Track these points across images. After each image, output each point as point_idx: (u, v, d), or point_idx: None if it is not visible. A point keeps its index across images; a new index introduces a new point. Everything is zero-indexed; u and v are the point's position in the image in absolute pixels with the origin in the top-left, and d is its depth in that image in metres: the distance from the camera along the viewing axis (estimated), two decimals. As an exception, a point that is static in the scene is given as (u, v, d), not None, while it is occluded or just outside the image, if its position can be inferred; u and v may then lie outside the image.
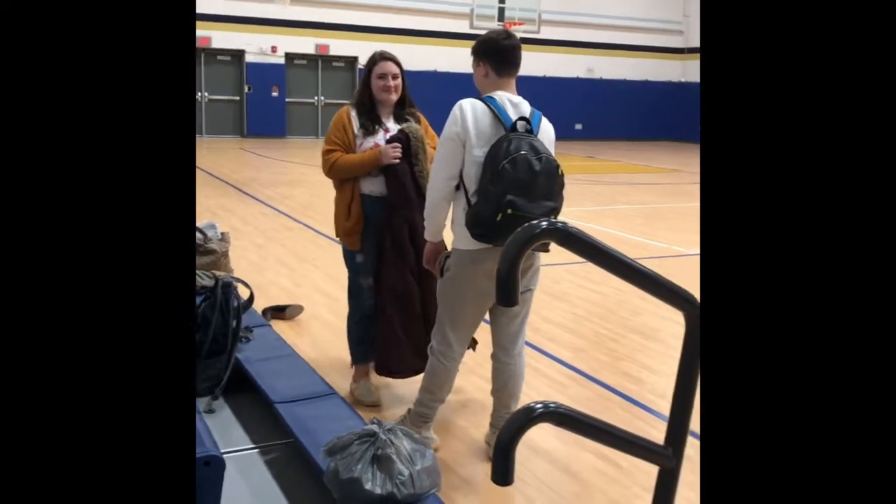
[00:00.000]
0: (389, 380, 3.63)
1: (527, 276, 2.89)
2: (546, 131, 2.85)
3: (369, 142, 3.39)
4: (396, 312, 3.39)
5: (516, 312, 2.96)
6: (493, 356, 3.06)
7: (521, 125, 2.73)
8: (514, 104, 2.80)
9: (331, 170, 3.42)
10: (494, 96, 2.79)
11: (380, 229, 3.39)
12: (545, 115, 2.89)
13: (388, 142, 3.36)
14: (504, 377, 3.05)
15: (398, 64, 3.42)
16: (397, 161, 3.31)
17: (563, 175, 2.76)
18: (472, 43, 2.94)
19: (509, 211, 2.59)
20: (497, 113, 2.74)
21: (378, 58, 3.42)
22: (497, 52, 2.83)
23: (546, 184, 2.68)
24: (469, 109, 2.75)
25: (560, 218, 2.76)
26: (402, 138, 3.35)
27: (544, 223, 1.52)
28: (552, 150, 2.81)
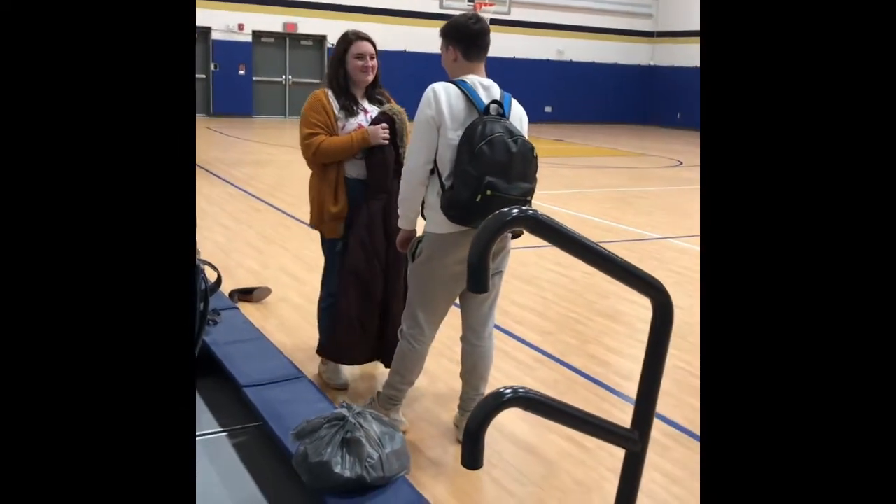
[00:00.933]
0: (358, 362, 3.63)
1: (497, 259, 2.90)
2: (517, 114, 2.86)
3: (352, 123, 3.30)
4: (355, 296, 3.29)
5: (486, 295, 2.97)
6: (463, 338, 3.08)
7: (493, 108, 2.74)
8: (485, 87, 2.80)
9: (315, 154, 3.27)
10: (466, 80, 2.79)
11: (356, 213, 3.31)
12: (515, 97, 2.89)
13: (372, 123, 3.28)
14: (473, 359, 3.06)
15: (373, 43, 3.35)
16: (386, 142, 3.25)
17: (537, 157, 2.77)
18: (442, 23, 2.93)
19: (488, 192, 2.60)
20: (470, 96, 2.74)
21: (353, 37, 3.32)
22: (467, 37, 2.82)
23: (522, 165, 2.70)
24: (442, 92, 2.74)
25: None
26: (388, 119, 3.28)
27: (515, 211, 1.53)
28: (525, 132, 2.82)
